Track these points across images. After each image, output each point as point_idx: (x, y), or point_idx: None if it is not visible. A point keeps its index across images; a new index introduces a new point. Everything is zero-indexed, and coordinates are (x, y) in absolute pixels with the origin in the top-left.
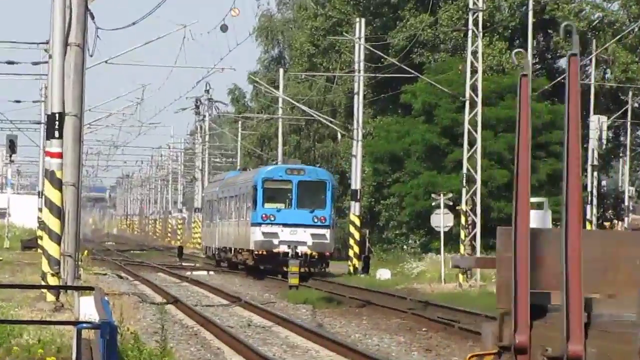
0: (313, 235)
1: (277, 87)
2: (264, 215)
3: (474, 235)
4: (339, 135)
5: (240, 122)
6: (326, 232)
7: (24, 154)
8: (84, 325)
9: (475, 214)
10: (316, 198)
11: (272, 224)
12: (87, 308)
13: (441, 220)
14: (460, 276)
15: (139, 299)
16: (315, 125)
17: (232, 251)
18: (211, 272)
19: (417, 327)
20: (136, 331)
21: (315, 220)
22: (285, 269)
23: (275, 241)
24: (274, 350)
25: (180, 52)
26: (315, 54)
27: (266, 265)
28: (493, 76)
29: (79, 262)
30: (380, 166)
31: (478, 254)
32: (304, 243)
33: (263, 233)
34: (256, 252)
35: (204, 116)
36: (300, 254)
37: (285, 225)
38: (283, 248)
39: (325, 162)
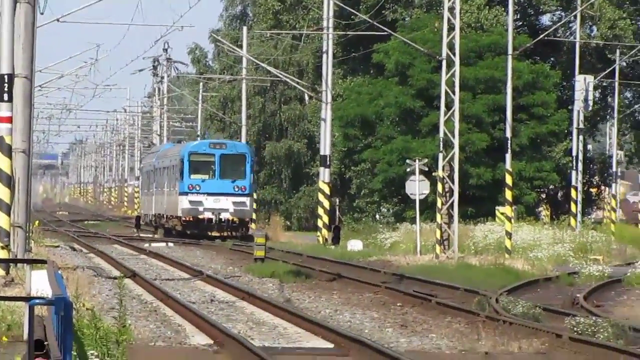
0: (234, 203)
1: (240, 46)
2: (190, 186)
3: (452, 204)
4: (307, 98)
5: (201, 84)
6: (246, 199)
7: None
8: (37, 301)
9: (452, 181)
10: (237, 169)
11: (197, 193)
12: (39, 283)
13: (416, 187)
14: (437, 247)
15: (95, 272)
16: (281, 86)
17: (165, 218)
18: (170, 244)
19: (391, 302)
20: (92, 307)
21: (236, 189)
22: (209, 233)
23: (201, 208)
24: (239, 327)
25: (136, 9)
26: (280, 11)
27: (192, 230)
28: (471, 34)
29: (30, 234)
30: (351, 131)
31: (456, 224)
32: (226, 210)
33: (189, 201)
34: (184, 219)
35: (163, 77)
36: (223, 220)
37: (209, 194)
38: (207, 215)
39: (292, 125)
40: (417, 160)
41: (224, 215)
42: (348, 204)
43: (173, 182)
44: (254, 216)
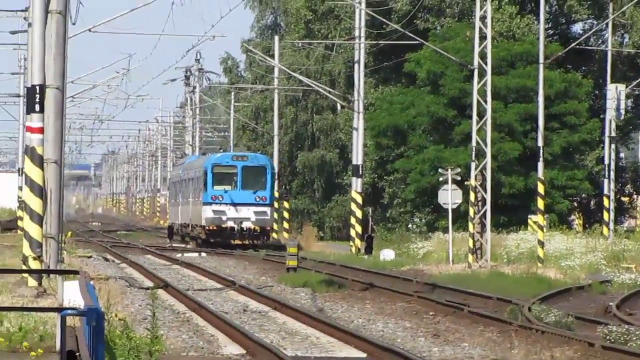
0: (256, 213)
1: (272, 56)
2: (213, 196)
3: (484, 213)
4: (339, 107)
5: (233, 94)
6: (267, 209)
7: (2, 129)
8: (69, 311)
9: (485, 190)
10: (258, 180)
11: (220, 203)
12: (71, 293)
13: (449, 196)
14: (470, 256)
15: (127, 283)
16: (313, 96)
17: (190, 227)
18: (203, 254)
19: (423, 311)
20: (124, 318)
21: (257, 199)
22: (232, 241)
23: (224, 218)
24: (272, 336)
25: (168, 19)
26: (312, 20)
27: (216, 238)
28: (503, 43)
29: (62, 245)
30: (383, 140)
31: (488, 233)
32: (248, 219)
33: (213, 211)
34: (207, 228)
35: (195, 87)
36: (245, 229)
37: (231, 204)
38: (230, 224)
39: (324, 135)
40: (449, 170)
41: (246, 224)
42: (381, 213)
43: (197, 193)
44: (276, 226)
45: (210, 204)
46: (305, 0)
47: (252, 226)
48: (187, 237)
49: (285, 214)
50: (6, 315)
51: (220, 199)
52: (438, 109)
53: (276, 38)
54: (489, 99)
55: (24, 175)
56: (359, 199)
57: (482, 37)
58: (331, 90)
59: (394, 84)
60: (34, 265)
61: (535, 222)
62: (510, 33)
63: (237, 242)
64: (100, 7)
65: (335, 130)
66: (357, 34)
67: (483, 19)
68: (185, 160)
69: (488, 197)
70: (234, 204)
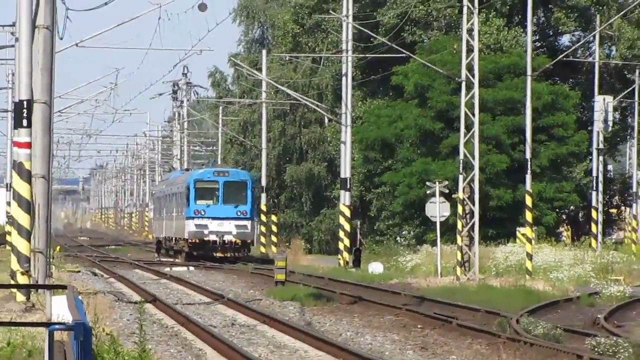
0: (237, 226)
1: (259, 70)
2: (195, 211)
3: (472, 226)
4: (326, 120)
5: (221, 108)
6: (247, 223)
7: None
8: (57, 326)
9: (473, 203)
10: (239, 195)
11: (202, 217)
12: (59, 308)
13: (437, 209)
14: (458, 269)
15: (115, 297)
16: (301, 109)
17: (174, 240)
18: (191, 268)
19: (412, 324)
20: (112, 332)
21: (239, 213)
22: (214, 254)
23: (206, 231)
24: (260, 350)
25: (155, 33)
26: (300, 34)
27: (198, 251)
28: (490, 55)
29: (51, 259)
30: (371, 153)
31: (477, 246)
32: (229, 232)
33: (195, 225)
34: (190, 241)
35: (182, 102)
36: (226, 242)
37: (213, 218)
38: (212, 237)
39: (312, 148)
40: (437, 183)
41: (227, 238)
42: (369, 226)
43: (181, 207)
44: (264, 239)
45: (193, 218)
46: (292, 14)
47: (234, 239)
48: (171, 250)
49: (274, 228)
50: None
51: (203, 213)
52: (425, 122)
53: (263, 52)
54: (476, 111)
55: (11, 190)
56: (347, 212)
57: (470, 50)
58: (319, 103)
59: (381, 97)
60: (22, 280)
61: (523, 235)
62: (498, 45)
63: (219, 254)
64: (87, 22)
65: (323, 143)
66: (344, 47)
67: (470, 31)
68: (169, 176)
69: (476, 209)
70: (216, 218)
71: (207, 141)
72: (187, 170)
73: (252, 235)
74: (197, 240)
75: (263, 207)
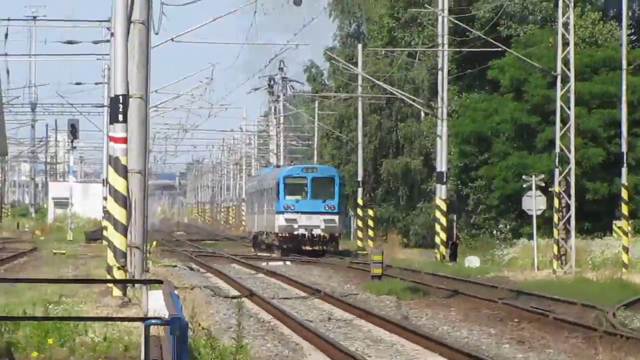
0: (325, 220)
1: (355, 64)
2: (285, 205)
3: (569, 219)
4: (423, 115)
5: (317, 102)
6: (335, 217)
7: (87, 139)
8: (153, 321)
9: (569, 196)
10: (326, 190)
11: (292, 212)
12: (155, 303)
13: (533, 203)
14: (555, 263)
15: (212, 292)
16: (397, 104)
17: (265, 234)
18: (288, 262)
19: (508, 318)
20: (209, 327)
21: (326, 208)
22: (303, 247)
23: (295, 225)
24: (357, 345)
25: (251, 27)
26: (395, 28)
27: (288, 245)
28: (586, 49)
29: (147, 254)
30: (467, 147)
31: (573, 239)
32: (318, 227)
33: (285, 219)
34: (280, 235)
35: (278, 96)
36: (315, 236)
37: (302, 212)
38: (301, 231)
39: (408, 142)
40: (533, 176)
41: (316, 232)
42: (465, 220)
43: (271, 203)
44: (360, 234)
45: (283, 212)
46: (388, 8)
47: (322, 233)
48: (262, 244)
49: (370, 222)
50: (91, 325)
51: (292, 207)
52: (521, 116)
53: (359, 46)
54: (572, 105)
55: (108, 185)
56: (443, 206)
57: (565, 44)
58: (415, 98)
59: (477, 91)
60: (119, 275)
61: (619, 228)
62: (593, 39)
63: (308, 248)
64: (182, 17)
65: (419, 137)
66: (440, 41)
67: (566, 25)
68: (261, 172)
69: (572, 203)
70: (305, 213)
71: (303, 135)
72: (277, 166)
73: (340, 229)
74: (287, 234)
75: (359, 201)
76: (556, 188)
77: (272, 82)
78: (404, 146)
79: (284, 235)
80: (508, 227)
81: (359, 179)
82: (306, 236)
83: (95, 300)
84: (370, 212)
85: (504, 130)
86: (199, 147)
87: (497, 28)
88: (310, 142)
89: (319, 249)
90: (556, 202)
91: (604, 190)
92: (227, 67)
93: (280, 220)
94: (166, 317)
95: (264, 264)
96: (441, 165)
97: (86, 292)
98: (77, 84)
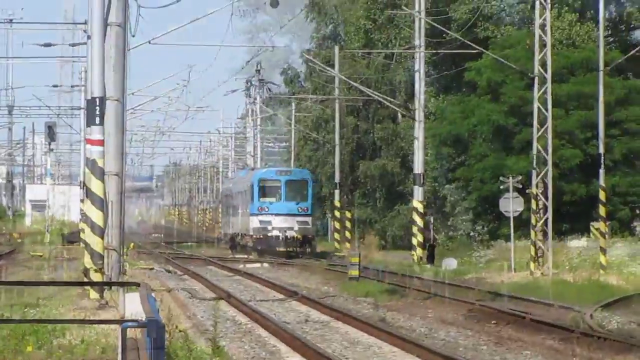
0: (298, 222)
1: (332, 66)
2: (259, 207)
3: (546, 220)
4: (400, 116)
5: (294, 104)
6: (308, 219)
7: (63, 142)
8: (130, 324)
9: (546, 198)
10: (300, 193)
11: (266, 214)
12: (132, 305)
13: (510, 204)
14: (532, 264)
15: (189, 294)
16: (374, 105)
17: (240, 236)
18: (265, 264)
19: (486, 320)
20: (185, 329)
21: (300, 210)
22: (277, 249)
23: (269, 227)
24: (334, 346)
25: (227, 30)
26: (372, 30)
27: (263, 246)
28: (563, 50)
29: (124, 257)
30: (444, 149)
31: (550, 241)
32: (291, 228)
33: (260, 221)
34: (255, 236)
35: (255, 98)
36: (289, 237)
37: (276, 214)
38: (275, 232)
39: (386, 144)
40: (510, 178)
41: (290, 233)
42: (442, 222)
43: (245, 205)
44: (337, 236)
45: (257, 214)
46: (365, 10)
47: (295, 235)
48: (238, 246)
49: (347, 224)
50: (68, 328)
51: (266, 210)
52: (499, 117)
53: (336, 48)
54: (549, 106)
55: (85, 187)
56: (421, 208)
57: (542, 45)
58: (392, 99)
59: (454, 93)
60: (96, 277)
61: (597, 229)
62: (570, 40)
63: (282, 249)
64: (159, 19)
65: (396, 139)
66: (416, 43)
67: (543, 26)
68: (235, 176)
69: (549, 204)
70: (279, 215)
71: (280, 137)
72: (252, 169)
73: (313, 230)
74: (261, 236)
75: (337, 203)
76: (533, 189)
77: (249, 84)
78: (381, 148)
79: (258, 237)
80: (485, 228)
81: (336, 180)
82: (280, 238)
83: (72, 302)
84: (348, 214)
85: (481, 132)
86: (176, 150)
87: (474, 30)
88: (287, 144)
89: (293, 250)
90: (533, 203)
91: (582, 192)
92: (204, 69)
93: (255, 222)
94: (143, 319)
95: (241, 266)
96: (418, 167)
97: (63, 294)
98: (54, 86)
